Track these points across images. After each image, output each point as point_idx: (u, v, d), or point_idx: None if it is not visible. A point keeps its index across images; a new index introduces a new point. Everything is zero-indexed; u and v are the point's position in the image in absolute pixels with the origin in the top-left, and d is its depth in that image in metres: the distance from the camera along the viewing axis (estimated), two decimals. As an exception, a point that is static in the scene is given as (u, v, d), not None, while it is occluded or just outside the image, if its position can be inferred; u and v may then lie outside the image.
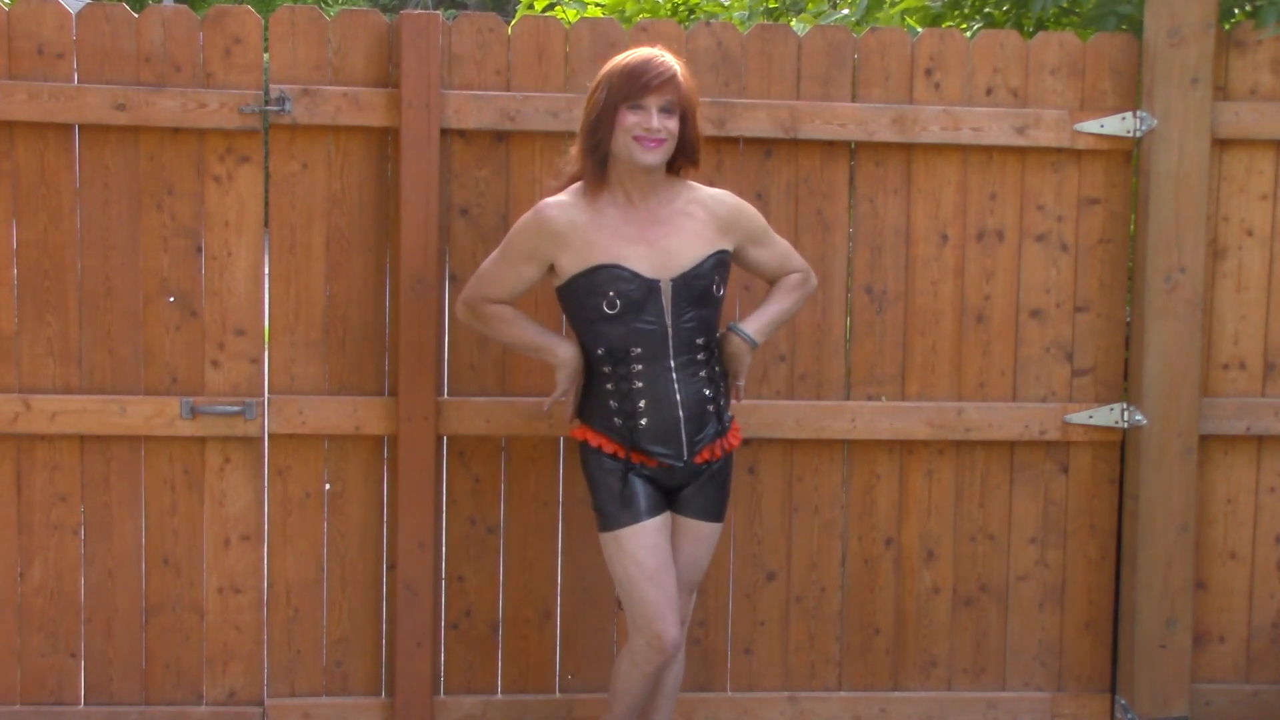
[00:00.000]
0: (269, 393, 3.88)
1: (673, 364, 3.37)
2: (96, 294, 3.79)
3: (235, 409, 3.81)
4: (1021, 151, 4.01)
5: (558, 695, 4.01)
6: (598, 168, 3.36)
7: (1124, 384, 4.10)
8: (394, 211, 3.84)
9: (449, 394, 3.91)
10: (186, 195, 3.80)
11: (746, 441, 3.98)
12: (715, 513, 3.52)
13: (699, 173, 3.69)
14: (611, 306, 3.34)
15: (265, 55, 3.79)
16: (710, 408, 3.43)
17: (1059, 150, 4.01)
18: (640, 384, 3.37)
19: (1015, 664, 4.15)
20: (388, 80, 3.83)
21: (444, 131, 3.82)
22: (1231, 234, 4.07)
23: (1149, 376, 3.99)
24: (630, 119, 3.30)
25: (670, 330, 3.36)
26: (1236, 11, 4.30)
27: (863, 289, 4.02)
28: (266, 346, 3.86)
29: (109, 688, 3.90)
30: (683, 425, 3.39)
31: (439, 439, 3.89)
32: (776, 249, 3.59)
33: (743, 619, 4.07)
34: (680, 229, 3.40)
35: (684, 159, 3.43)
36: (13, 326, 3.78)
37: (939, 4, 5.10)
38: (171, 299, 3.81)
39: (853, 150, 3.99)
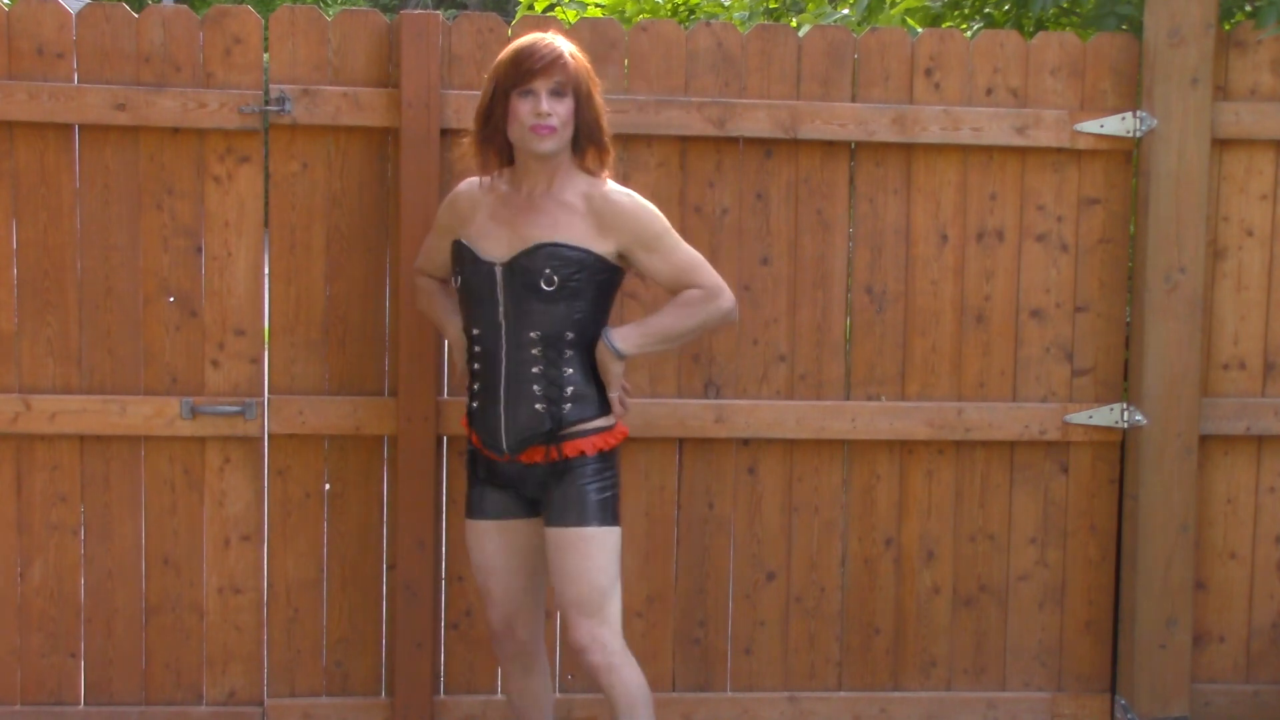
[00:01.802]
0: (269, 393, 3.88)
1: (504, 353, 3.29)
2: (96, 294, 3.79)
3: (235, 409, 3.81)
4: (1021, 151, 4.01)
5: (558, 695, 4.00)
6: (496, 157, 3.35)
7: (1124, 384, 4.10)
8: (394, 211, 3.84)
9: (449, 394, 3.90)
10: (186, 195, 3.80)
11: (746, 441, 3.98)
12: (569, 518, 3.29)
13: (701, 171, 3.70)
14: (458, 284, 3.36)
15: (265, 55, 3.79)
16: (539, 407, 3.28)
17: (1059, 150, 4.01)
18: (478, 366, 3.34)
19: (1015, 664, 4.15)
20: (388, 80, 3.83)
21: (444, 131, 3.81)
22: (1231, 234, 4.07)
23: (1149, 376, 3.99)
24: (522, 108, 3.25)
25: (504, 317, 3.29)
26: (1236, 12, 4.30)
27: (863, 289, 4.02)
28: (266, 346, 3.87)
29: (109, 688, 3.89)
30: (502, 418, 3.31)
31: (439, 439, 3.89)
32: (673, 259, 3.33)
33: (743, 619, 4.07)
34: (547, 218, 3.29)
35: (587, 142, 3.30)
36: (13, 326, 3.78)
37: (939, 4, 5.10)
38: (171, 299, 3.81)
39: (853, 150, 3.99)
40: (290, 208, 3.83)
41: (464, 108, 3.80)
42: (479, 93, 3.78)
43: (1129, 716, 4.06)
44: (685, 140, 3.90)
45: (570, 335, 3.30)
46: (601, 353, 3.33)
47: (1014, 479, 4.10)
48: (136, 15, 3.75)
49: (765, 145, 3.95)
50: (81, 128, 3.75)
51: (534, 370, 3.29)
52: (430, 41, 3.77)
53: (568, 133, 3.28)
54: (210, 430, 3.83)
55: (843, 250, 4.02)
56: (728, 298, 3.36)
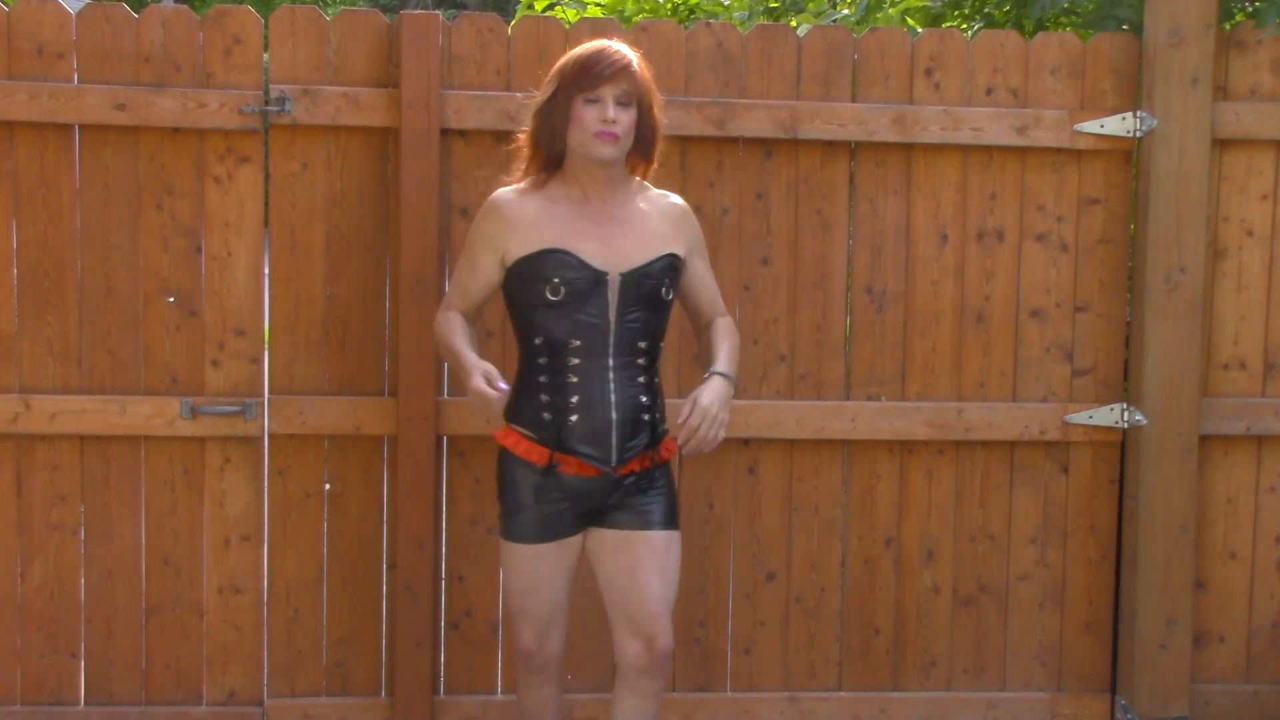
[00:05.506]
0: (269, 393, 3.88)
1: (611, 363, 3.23)
2: (96, 294, 3.79)
3: (235, 409, 3.81)
4: (1021, 151, 4.01)
5: (558, 695, 4.01)
6: (552, 161, 3.30)
7: (1124, 384, 4.10)
8: (394, 211, 3.84)
9: (449, 394, 3.91)
10: (186, 195, 3.80)
11: (746, 441, 3.98)
12: (657, 520, 3.31)
13: (701, 171, 3.70)
14: (555, 293, 3.22)
15: (265, 55, 3.79)
16: (645, 417, 3.27)
17: (1059, 150, 4.01)
18: (575, 379, 3.22)
19: (1015, 664, 4.15)
20: (388, 80, 3.83)
21: (444, 131, 3.81)
22: (1231, 234, 4.07)
23: (1149, 376, 3.99)
24: (588, 114, 3.20)
25: (613, 327, 3.23)
26: (1236, 12, 4.30)
27: (863, 289, 4.02)
28: (266, 346, 3.87)
29: (109, 688, 3.90)
30: (614, 428, 3.23)
31: (439, 439, 3.89)
32: (710, 274, 3.49)
33: (743, 619, 4.07)
34: (635, 228, 3.30)
35: (638, 153, 3.31)
36: (13, 326, 3.78)
37: (939, 4, 5.10)
38: (171, 299, 3.81)
39: (853, 150, 3.99)
40: (290, 208, 3.83)
41: (464, 108, 3.80)
42: (479, 92, 3.82)
43: (1129, 716, 4.07)
44: (685, 140, 3.90)
45: (662, 344, 3.36)
46: (722, 386, 3.30)
47: (1014, 479, 4.10)
48: (136, 15, 3.75)
49: (765, 145, 3.95)
50: (81, 128, 3.75)
51: (640, 379, 3.27)
52: (430, 41, 3.77)
53: (628, 142, 3.25)
54: (210, 430, 3.83)
55: (843, 250, 4.02)
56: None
